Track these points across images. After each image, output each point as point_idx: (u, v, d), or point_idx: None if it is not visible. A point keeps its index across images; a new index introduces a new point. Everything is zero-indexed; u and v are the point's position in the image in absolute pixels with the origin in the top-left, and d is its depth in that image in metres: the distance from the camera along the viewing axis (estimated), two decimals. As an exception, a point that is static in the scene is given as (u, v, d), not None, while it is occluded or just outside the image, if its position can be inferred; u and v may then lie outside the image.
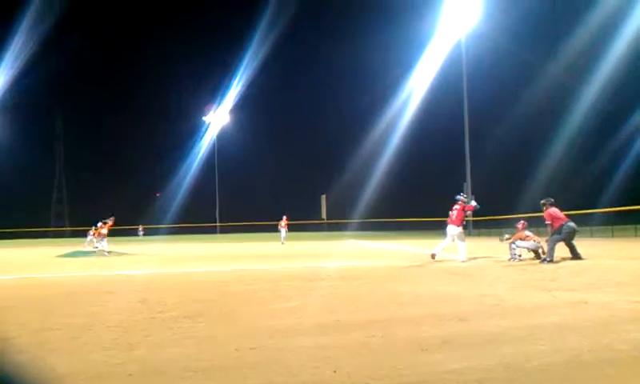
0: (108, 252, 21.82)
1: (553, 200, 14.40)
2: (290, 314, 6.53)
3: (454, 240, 14.82)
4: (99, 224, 24.33)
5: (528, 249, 14.24)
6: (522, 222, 15.26)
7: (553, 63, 49.38)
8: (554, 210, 14.16)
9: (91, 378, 3.86)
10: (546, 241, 14.38)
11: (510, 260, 13.92)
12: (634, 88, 46.01)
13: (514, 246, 14.28)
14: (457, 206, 15.12)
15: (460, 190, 15.37)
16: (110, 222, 23.90)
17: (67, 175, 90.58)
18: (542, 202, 14.57)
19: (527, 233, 14.61)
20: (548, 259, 13.18)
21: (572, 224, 14.07)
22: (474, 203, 16.52)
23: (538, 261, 13.56)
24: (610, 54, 42.83)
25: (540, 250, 14.03)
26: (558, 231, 13.81)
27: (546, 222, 14.14)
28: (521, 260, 13.90)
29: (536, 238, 14.60)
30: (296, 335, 5.28)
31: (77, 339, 5.16)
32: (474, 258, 14.89)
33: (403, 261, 15.22)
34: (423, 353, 4.43)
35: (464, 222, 15.37)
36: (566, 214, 14.33)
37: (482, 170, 48.29)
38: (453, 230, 14.90)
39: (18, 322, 6.04)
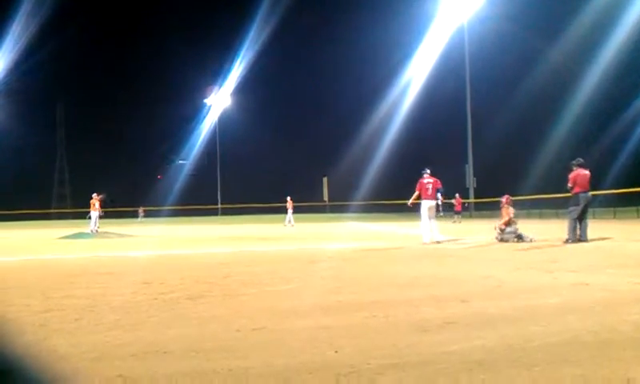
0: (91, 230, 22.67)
1: (583, 161, 13.75)
2: (291, 296, 6.55)
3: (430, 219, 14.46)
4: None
5: (513, 234, 14.16)
6: (505, 196, 15.12)
7: (556, 47, 49.08)
8: (582, 172, 13.52)
9: (94, 358, 3.88)
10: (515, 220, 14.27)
11: (512, 241, 13.89)
12: (638, 71, 45.79)
13: (503, 236, 14.22)
14: (430, 180, 14.67)
15: (424, 168, 14.90)
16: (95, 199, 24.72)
17: (69, 157, 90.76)
18: (572, 162, 13.80)
19: (511, 211, 14.55)
20: (571, 240, 12.97)
21: (589, 195, 13.59)
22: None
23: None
24: (613, 38, 42.61)
25: (518, 233, 14.03)
26: (575, 200, 13.34)
27: (569, 185, 13.52)
28: (517, 240, 13.87)
29: (512, 214, 14.53)
30: (297, 316, 5.30)
31: (79, 320, 5.18)
32: (463, 240, 14.88)
33: (403, 242, 15.23)
34: (424, 333, 4.44)
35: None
36: (557, 197, 14.20)
37: (484, 153, 48.31)
38: (429, 204, 14.48)
39: (20, 304, 6.07)
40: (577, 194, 13.38)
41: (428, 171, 14.81)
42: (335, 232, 23.20)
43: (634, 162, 42.90)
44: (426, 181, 14.64)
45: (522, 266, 8.95)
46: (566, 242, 13.02)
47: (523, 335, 4.27)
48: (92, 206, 25.49)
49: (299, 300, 6.21)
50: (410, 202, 15.22)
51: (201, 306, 5.87)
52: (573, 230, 13.18)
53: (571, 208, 13.39)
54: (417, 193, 14.80)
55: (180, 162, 75.91)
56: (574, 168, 13.63)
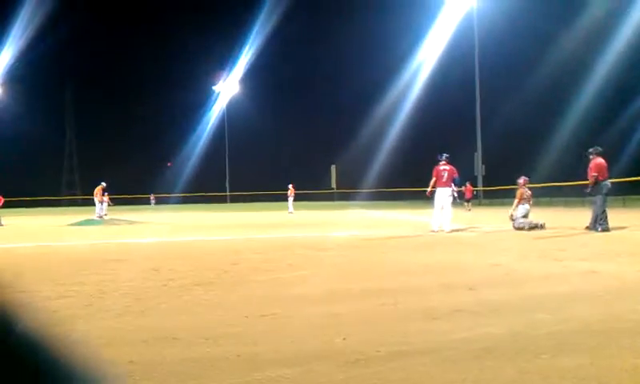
0: (100, 217, 23.32)
1: (601, 149, 13.40)
2: (300, 283, 6.57)
3: (442, 207, 13.99)
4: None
5: (524, 217, 14.08)
6: (523, 177, 14.83)
7: (567, 31, 48.62)
8: (601, 161, 13.19)
9: (105, 343, 3.92)
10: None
11: (518, 229, 13.81)
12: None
13: (516, 216, 14.12)
14: (446, 167, 14.12)
15: (443, 152, 14.47)
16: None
17: (78, 144, 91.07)
18: (589, 150, 13.44)
19: (527, 190, 14.48)
20: (600, 229, 12.65)
21: (609, 183, 13.29)
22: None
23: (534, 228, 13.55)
24: (627, 23, 42.17)
25: (532, 222, 13.93)
26: (599, 189, 13.00)
27: (592, 174, 13.04)
28: (530, 228, 13.74)
29: (528, 194, 14.46)
30: (306, 303, 5.32)
31: (90, 306, 5.23)
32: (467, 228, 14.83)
33: (412, 230, 15.21)
34: (433, 321, 4.45)
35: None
36: (578, 184, 13.94)
37: (494, 140, 48.09)
38: (443, 192, 13.99)
39: (31, 290, 6.11)
40: (600, 182, 13.06)
41: (445, 156, 14.29)
42: (344, 220, 23.23)
43: (642, 150, 42.55)
44: (442, 167, 14.12)
45: (532, 254, 8.93)
46: (603, 230, 12.68)
47: (531, 323, 4.27)
48: (98, 195, 25.83)
49: (308, 287, 6.23)
50: (428, 190, 14.43)
51: (210, 292, 5.90)
52: (604, 219, 12.91)
53: (596, 197, 13.03)
54: (433, 179, 14.21)
55: (168, 164, 76.38)
56: (593, 156, 13.31)
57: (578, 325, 4.22)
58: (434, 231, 13.84)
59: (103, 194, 26.16)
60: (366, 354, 3.59)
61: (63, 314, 4.89)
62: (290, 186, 34.43)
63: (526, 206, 14.18)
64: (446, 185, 14.09)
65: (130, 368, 3.39)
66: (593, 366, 3.27)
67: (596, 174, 13.05)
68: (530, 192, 14.54)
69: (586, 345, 3.71)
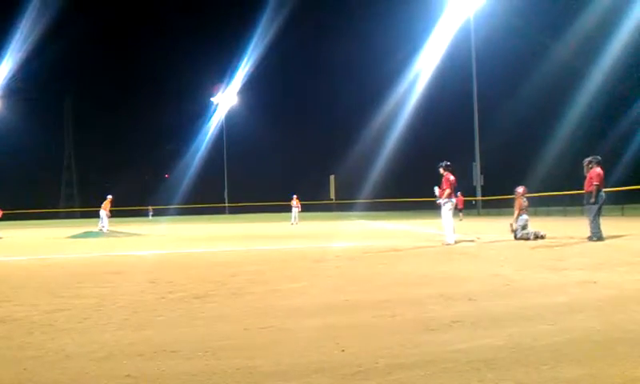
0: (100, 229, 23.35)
1: (600, 158, 13.18)
2: (298, 295, 6.55)
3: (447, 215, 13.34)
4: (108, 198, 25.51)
5: (523, 227, 14.08)
6: (522, 186, 14.70)
7: (561, 43, 48.88)
8: (601, 171, 12.99)
9: (102, 357, 3.90)
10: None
11: (517, 239, 13.83)
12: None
13: (517, 227, 14.08)
14: (451, 176, 13.41)
15: (445, 161, 13.57)
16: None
17: (77, 157, 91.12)
18: (587, 159, 13.22)
19: (524, 200, 14.48)
20: (595, 238, 12.67)
21: (604, 194, 13.15)
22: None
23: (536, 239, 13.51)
24: (619, 35, 42.41)
25: (535, 232, 13.91)
26: (597, 198, 12.84)
27: (595, 184, 12.81)
28: (535, 237, 13.71)
29: (526, 204, 14.48)
30: (304, 315, 5.31)
31: (87, 319, 5.21)
32: (463, 239, 14.80)
33: (411, 241, 15.19)
34: (431, 332, 4.43)
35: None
36: (575, 194, 13.84)
37: (491, 150, 48.17)
38: (453, 203, 13.47)
39: (29, 303, 6.10)
40: (598, 192, 12.94)
41: (448, 165, 13.41)
42: (343, 231, 23.20)
43: (640, 159, 42.61)
44: (452, 177, 13.32)
45: (531, 265, 8.91)
46: (598, 239, 12.69)
47: (531, 334, 4.26)
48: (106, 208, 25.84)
49: (306, 299, 6.22)
50: (443, 200, 13.38)
51: (208, 304, 5.89)
52: (599, 227, 12.90)
53: (593, 207, 12.93)
54: (448, 191, 13.29)
55: (167, 148, 76.58)
56: (593, 165, 13.15)
57: (578, 335, 4.21)
58: (450, 243, 13.12)
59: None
60: (365, 366, 3.58)
61: (59, 328, 4.87)
62: (295, 197, 34.29)
63: (525, 216, 14.18)
64: (453, 196, 13.58)
65: (128, 382, 3.38)
66: (592, 377, 3.27)
67: (598, 184, 12.92)
68: (527, 202, 14.57)
69: (586, 355, 3.70)
